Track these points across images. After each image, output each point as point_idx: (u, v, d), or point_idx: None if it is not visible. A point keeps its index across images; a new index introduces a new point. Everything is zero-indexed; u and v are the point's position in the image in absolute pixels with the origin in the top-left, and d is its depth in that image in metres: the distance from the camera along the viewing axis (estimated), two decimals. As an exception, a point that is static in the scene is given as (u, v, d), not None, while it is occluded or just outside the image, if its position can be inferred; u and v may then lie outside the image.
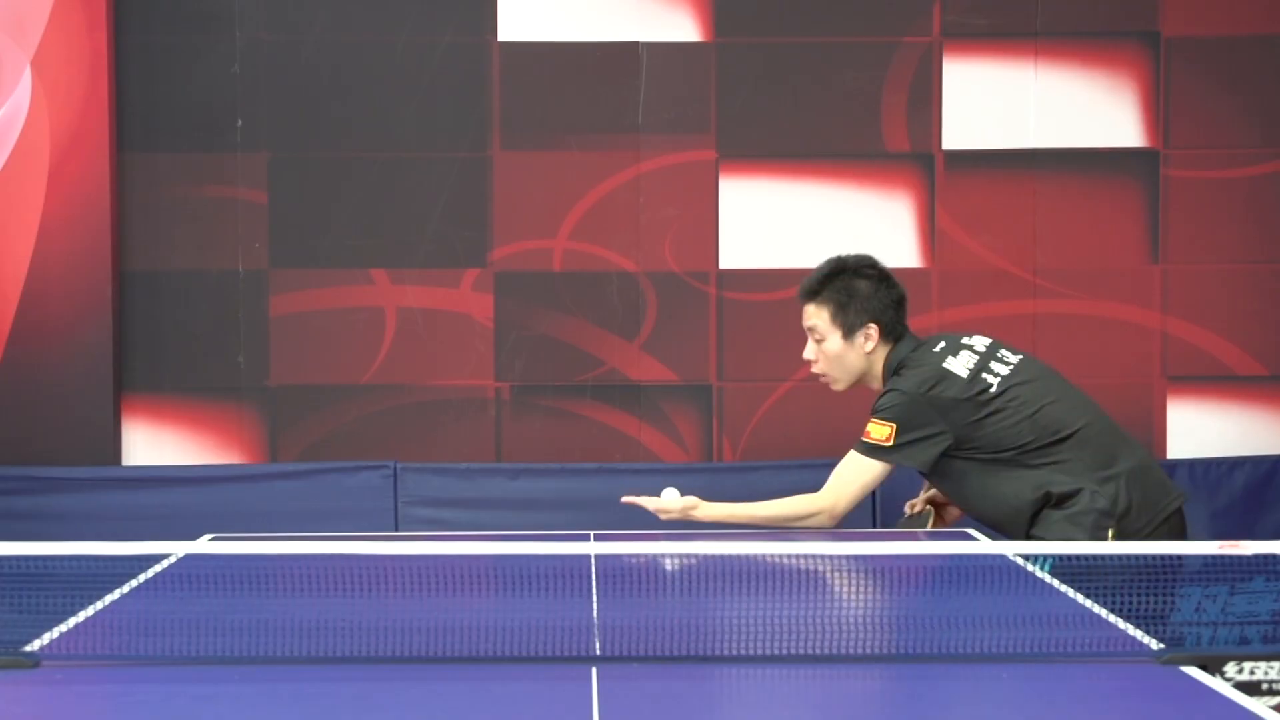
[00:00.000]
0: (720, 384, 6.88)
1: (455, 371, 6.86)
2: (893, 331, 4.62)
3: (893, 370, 4.60)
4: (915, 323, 6.85)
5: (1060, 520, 4.42)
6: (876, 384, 4.70)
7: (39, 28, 6.61)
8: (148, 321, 6.81)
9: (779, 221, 6.85)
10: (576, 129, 6.83)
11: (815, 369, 4.71)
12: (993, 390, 4.48)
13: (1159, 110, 6.84)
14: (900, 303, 4.66)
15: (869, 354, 4.61)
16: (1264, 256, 6.90)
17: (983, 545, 4.62)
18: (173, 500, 6.62)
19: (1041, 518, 4.47)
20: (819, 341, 4.66)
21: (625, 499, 4.78)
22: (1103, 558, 3.74)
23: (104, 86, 6.65)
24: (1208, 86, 6.86)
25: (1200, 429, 6.94)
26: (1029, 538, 4.52)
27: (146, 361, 6.81)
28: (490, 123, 6.83)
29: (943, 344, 4.60)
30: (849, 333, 4.60)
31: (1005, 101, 6.83)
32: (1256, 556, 3.54)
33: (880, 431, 4.48)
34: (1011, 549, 4.25)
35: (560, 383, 6.87)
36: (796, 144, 6.83)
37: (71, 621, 3.64)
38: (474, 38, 6.81)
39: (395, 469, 6.69)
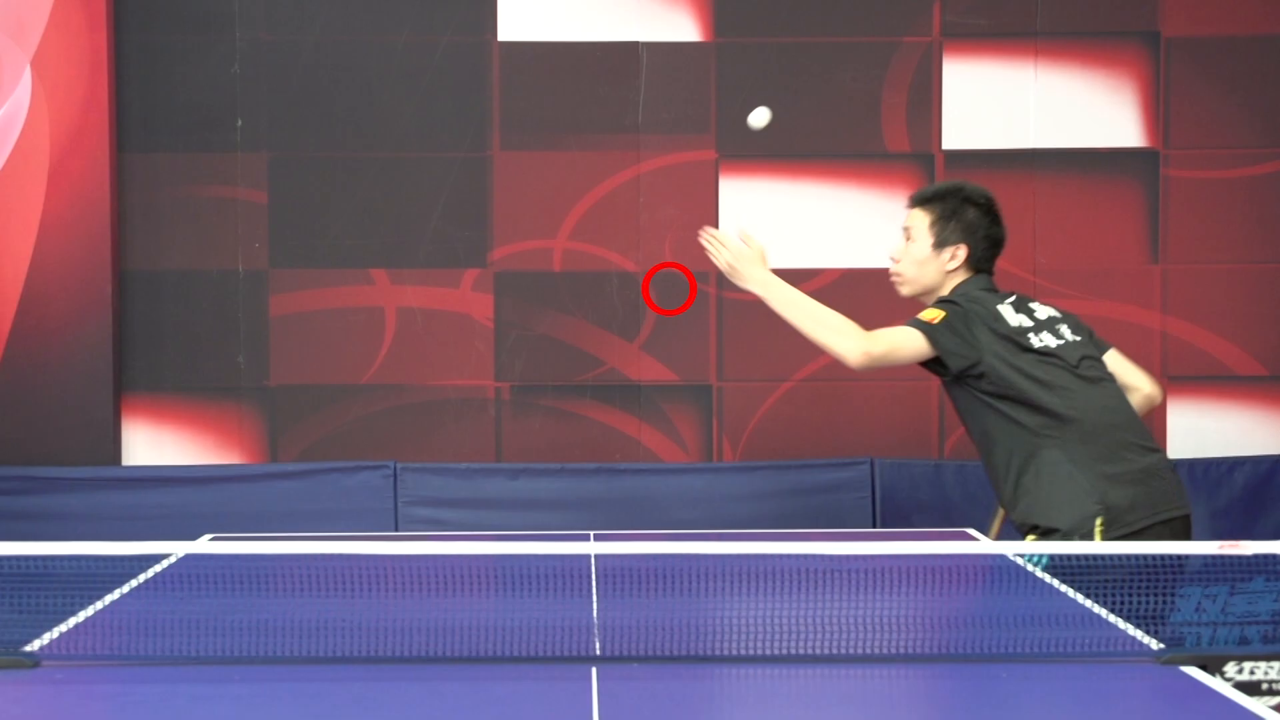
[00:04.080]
0: (720, 384, 6.88)
1: (455, 371, 6.87)
2: (977, 263, 4.67)
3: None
4: (915, 323, 6.93)
5: (1050, 501, 4.40)
6: None
7: (39, 28, 6.61)
8: (147, 321, 6.81)
9: (779, 221, 6.85)
10: (576, 129, 6.84)
11: (894, 267, 4.74)
12: (1033, 346, 4.50)
13: (1159, 110, 6.84)
14: (997, 243, 4.71)
15: (948, 272, 4.66)
16: (1264, 256, 6.90)
17: (983, 545, 4.62)
18: (173, 500, 6.62)
19: (1031, 496, 4.44)
20: (909, 242, 4.69)
21: (705, 232, 4.70)
22: (1102, 557, 3.74)
23: (104, 86, 6.65)
24: (1208, 86, 6.86)
25: (1200, 429, 6.94)
26: (1013, 507, 4.48)
27: (146, 361, 6.81)
28: (490, 123, 6.83)
29: (1011, 298, 4.63)
30: (940, 245, 4.66)
31: (1005, 101, 6.84)
32: (1256, 556, 3.54)
33: (930, 313, 4.52)
34: (1011, 549, 4.25)
35: (560, 383, 6.87)
36: (796, 144, 6.84)
37: (71, 621, 3.64)
38: (474, 38, 6.81)
39: (395, 469, 6.69)
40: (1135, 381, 4.80)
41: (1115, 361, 4.76)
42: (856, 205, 6.85)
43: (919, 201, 4.75)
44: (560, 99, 6.83)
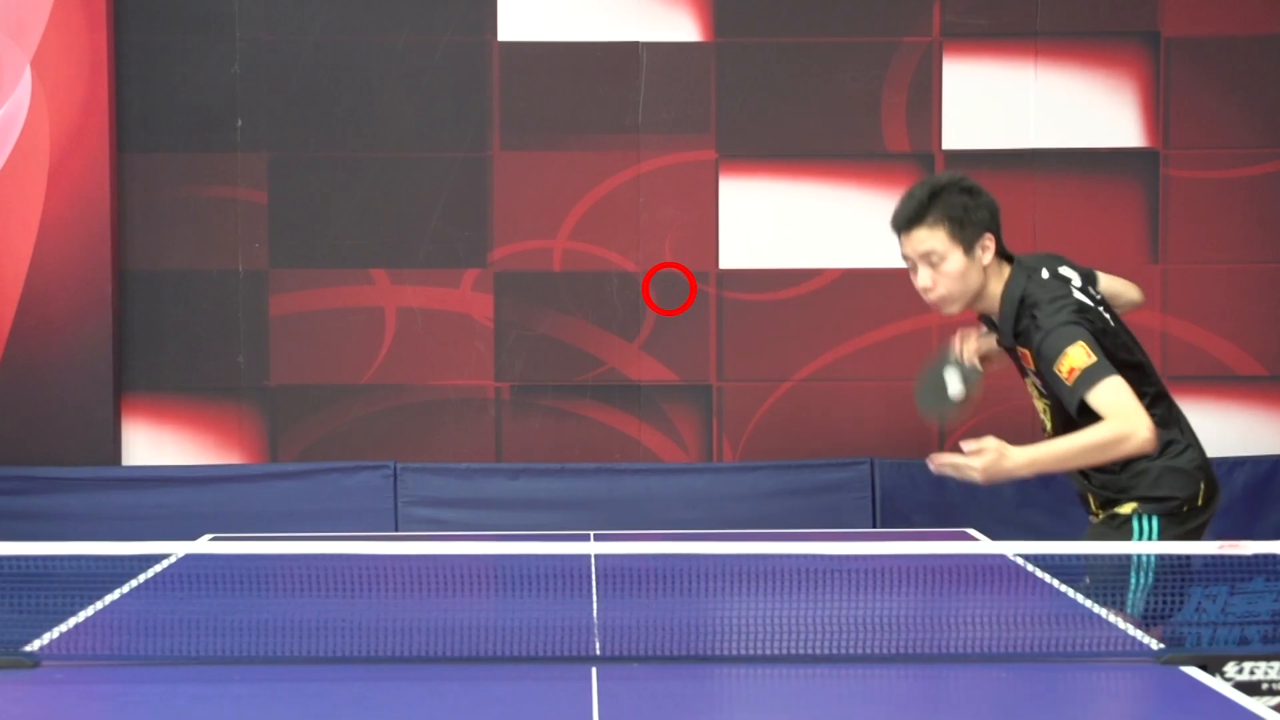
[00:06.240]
0: (720, 384, 6.88)
1: (455, 371, 6.86)
2: (1000, 243, 4.48)
3: (1016, 303, 4.43)
4: (914, 323, 6.93)
5: (1163, 471, 4.32)
6: (985, 304, 4.49)
7: (39, 28, 6.61)
8: (147, 321, 6.81)
9: (779, 221, 6.85)
10: (576, 129, 6.84)
11: (932, 295, 4.47)
12: (1110, 324, 4.41)
13: (1159, 110, 6.84)
14: (997, 210, 4.51)
15: (986, 267, 4.45)
16: (1264, 256, 6.90)
17: (983, 545, 4.62)
18: (173, 500, 6.63)
19: (1139, 468, 4.34)
20: (937, 264, 4.46)
21: (937, 464, 4.33)
22: (1101, 557, 3.74)
23: (104, 86, 6.65)
24: (1208, 86, 6.86)
25: (1200, 429, 6.87)
26: (1113, 486, 4.38)
27: (146, 361, 6.81)
28: (490, 123, 6.83)
29: (1045, 271, 4.46)
30: (969, 247, 4.39)
31: (1005, 101, 6.83)
32: (1256, 556, 3.55)
33: (1079, 357, 4.27)
34: (1011, 549, 4.25)
35: (560, 383, 6.87)
36: (796, 144, 6.83)
37: (71, 621, 3.64)
38: (474, 37, 6.81)
39: (395, 469, 6.69)
40: (1132, 295, 4.69)
41: (1108, 283, 4.62)
42: (856, 205, 6.85)
43: (917, 222, 4.38)
44: (560, 99, 6.83)
